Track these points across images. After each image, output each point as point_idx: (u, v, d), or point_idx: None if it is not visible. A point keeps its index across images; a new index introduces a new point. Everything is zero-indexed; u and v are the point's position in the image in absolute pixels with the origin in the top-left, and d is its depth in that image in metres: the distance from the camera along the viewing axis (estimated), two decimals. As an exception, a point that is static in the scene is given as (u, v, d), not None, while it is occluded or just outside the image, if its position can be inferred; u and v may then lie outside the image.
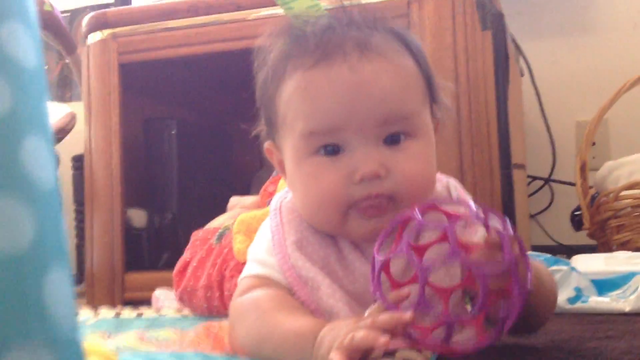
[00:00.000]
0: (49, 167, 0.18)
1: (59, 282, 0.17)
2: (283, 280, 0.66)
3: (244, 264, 0.95)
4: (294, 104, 0.65)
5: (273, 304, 0.63)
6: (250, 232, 0.96)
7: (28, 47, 0.20)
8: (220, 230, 1.08)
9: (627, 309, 0.95)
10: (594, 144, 1.57)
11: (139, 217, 1.60)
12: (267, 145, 0.74)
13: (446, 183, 0.73)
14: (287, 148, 0.68)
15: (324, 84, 0.63)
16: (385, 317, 0.53)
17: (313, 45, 0.65)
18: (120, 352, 0.53)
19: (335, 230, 0.67)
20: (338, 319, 0.62)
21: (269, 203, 1.05)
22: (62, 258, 0.18)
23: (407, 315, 0.52)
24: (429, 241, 0.56)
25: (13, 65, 0.19)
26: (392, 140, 0.64)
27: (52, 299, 0.17)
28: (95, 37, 1.51)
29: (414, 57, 0.68)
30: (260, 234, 0.73)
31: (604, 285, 1.03)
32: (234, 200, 1.29)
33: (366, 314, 0.56)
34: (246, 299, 0.65)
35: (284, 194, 0.74)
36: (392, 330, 0.52)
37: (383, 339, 0.50)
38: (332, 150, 0.64)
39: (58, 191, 0.18)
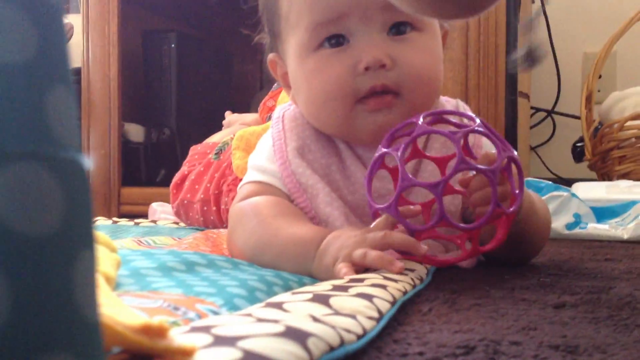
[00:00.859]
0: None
1: (63, 98, 0.16)
2: (283, 187, 0.66)
3: (241, 179, 0.95)
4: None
5: (274, 210, 0.62)
6: (249, 147, 0.95)
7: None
8: (219, 146, 1.06)
9: (626, 236, 0.95)
10: (600, 76, 1.54)
11: (136, 131, 1.58)
12: (270, 57, 0.72)
13: (455, 102, 0.72)
14: (290, 50, 0.67)
15: None
16: (399, 239, 0.52)
17: None
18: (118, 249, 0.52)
19: (340, 127, 0.65)
20: (334, 227, 0.62)
21: (268, 118, 1.04)
22: (65, 75, 0.16)
23: (424, 248, 0.53)
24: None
25: None
26: (398, 31, 0.63)
27: (55, 116, 0.16)
28: (94, -59, 1.46)
29: None
30: (261, 143, 0.72)
31: (603, 213, 1.03)
32: (233, 117, 1.27)
33: (373, 225, 0.55)
34: (246, 205, 0.65)
35: (286, 105, 0.73)
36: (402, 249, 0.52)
37: (398, 266, 0.50)
38: (337, 42, 0.63)
39: (61, 6, 0.17)
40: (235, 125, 1.24)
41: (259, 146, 0.72)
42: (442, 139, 0.66)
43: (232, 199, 0.96)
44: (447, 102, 0.72)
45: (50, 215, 0.15)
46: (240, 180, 0.94)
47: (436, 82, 0.66)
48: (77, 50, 1.53)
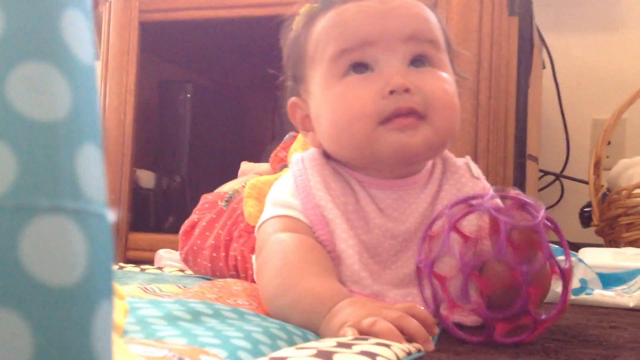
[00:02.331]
0: (88, 42, 0.17)
1: (92, 157, 0.17)
2: (306, 220, 0.67)
3: (254, 227, 0.95)
4: (325, 33, 0.69)
5: (299, 255, 0.62)
6: (261, 196, 0.96)
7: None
8: (229, 194, 1.07)
9: (632, 304, 0.94)
10: (609, 142, 1.56)
11: (147, 177, 1.60)
12: (291, 100, 0.75)
13: (465, 161, 0.74)
14: (315, 84, 0.70)
15: (355, 11, 0.68)
16: (415, 327, 0.51)
17: None
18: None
19: (362, 149, 0.66)
20: (347, 265, 0.64)
21: (280, 169, 1.05)
22: (95, 134, 0.17)
23: (431, 347, 0.52)
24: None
25: None
26: (417, 64, 0.67)
27: (85, 172, 0.17)
28: (118, -7, 1.50)
29: (437, 17, 0.72)
30: (279, 183, 0.74)
31: (609, 280, 1.03)
32: (247, 167, 1.28)
33: (399, 305, 0.55)
34: (275, 242, 0.65)
35: (302, 153, 0.75)
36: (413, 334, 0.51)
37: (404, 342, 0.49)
38: (362, 70, 0.67)
39: (95, 68, 0.18)
40: (249, 174, 1.26)
41: (277, 186, 0.74)
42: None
43: (243, 244, 0.96)
44: (458, 159, 0.74)
45: (74, 266, 0.16)
46: (252, 227, 0.95)
47: (457, 110, 0.68)
48: (94, 97, 1.56)
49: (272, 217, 0.69)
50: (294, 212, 0.68)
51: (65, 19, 0.18)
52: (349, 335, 0.50)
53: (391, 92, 0.64)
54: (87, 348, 0.16)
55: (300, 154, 0.74)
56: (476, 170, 0.74)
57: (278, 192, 0.71)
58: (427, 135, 0.65)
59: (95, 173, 0.17)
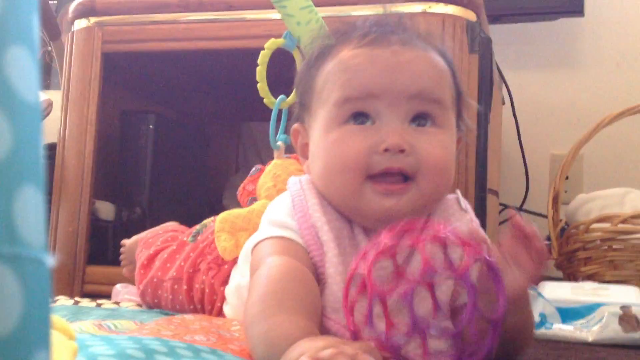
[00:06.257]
0: (34, 80, 0.17)
1: (31, 198, 0.16)
2: (301, 241, 0.67)
3: (227, 261, 0.94)
4: (334, 76, 0.69)
5: (283, 284, 0.61)
6: (234, 230, 0.95)
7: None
8: (197, 228, 1.06)
9: (590, 339, 0.95)
10: (567, 177, 1.59)
11: (106, 209, 1.57)
12: (295, 126, 0.76)
13: (456, 195, 0.76)
14: (317, 122, 0.71)
15: (366, 60, 0.68)
16: None
17: (360, 34, 0.70)
18: (77, 334, 0.51)
19: (349, 202, 0.67)
20: (332, 292, 0.64)
21: (249, 202, 1.04)
22: (36, 175, 0.17)
23: None
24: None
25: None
26: (419, 123, 0.68)
27: (22, 215, 0.16)
28: (80, 24, 1.49)
29: (450, 68, 0.72)
30: (276, 203, 0.74)
31: (568, 314, 1.04)
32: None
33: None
34: (264, 268, 0.64)
35: (300, 177, 0.76)
36: None
37: None
38: (362, 121, 0.67)
39: (40, 106, 0.17)
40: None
41: (274, 206, 0.74)
42: None
43: (213, 277, 0.95)
44: (448, 195, 0.74)
45: (8, 315, 0.15)
46: (222, 259, 0.94)
47: (449, 177, 0.69)
48: (54, 127, 1.54)
49: (268, 238, 0.69)
50: (289, 233, 0.68)
51: (9, 55, 0.17)
52: None
53: (385, 150, 0.65)
54: (9, 227, 0.15)
55: (296, 178, 0.75)
56: (464, 203, 0.75)
57: (275, 212, 0.72)
58: (412, 199, 0.66)
59: (34, 216, 0.16)
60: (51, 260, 0.16)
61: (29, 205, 0.16)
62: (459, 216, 0.73)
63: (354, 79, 0.67)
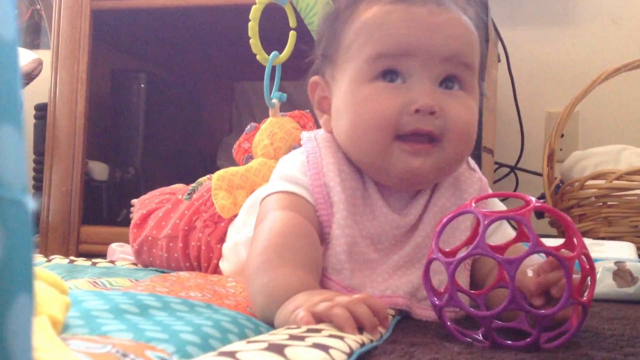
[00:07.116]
0: (11, 18, 0.16)
1: (10, 138, 0.15)
2: (311, 199, 0.67)
3: (223, 218, 0.94)
4: (367, 30, 0.67)
5: (287, 238, 0.62)
6: (231, 187, 0.95)
7: None
8: (192, 186, 1.05)
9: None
10: (562, 135, 1.58)
11: (100, 169, 1.56)
12: (314, 78, 0.75)
13: (479, 175, 0.75)
14: (345, 77, 0.69)
15: (402, 17, 0.66)
16: (365, 313, 0.50)
17: None
18: (71, 291, 0.51)
19: (375, 160, 0.67)
20: (335, 253, 0.65)
21: (245, 160, 1.03)
22: (14, 114, 0.16)
23: (377, 335, 0.51)
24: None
25: None
26: (447, 85, 0.67)
27: (1, 155, 0.15)
28: (68, -21, 1.46)
29: (480, 33, 0.72)
30: (288, 158, 0.73)
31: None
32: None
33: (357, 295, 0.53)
34: (268, 221, 0.65)
35: (312, 132, 0.76)
36: (366, 323, 0.50)
37: (354, 333, 0.48)
38: (391, 79, 0.67)
39: (16, 44, 0.16)
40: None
41: (286, 161, 0.74)
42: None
43: (209, 235, 0.95)
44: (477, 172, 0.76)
45: (-13, 256, 0.14)
46: (219, 216, 0.93)
47: (473, 142, 0.69)
48: (44, 87, 1.52)
49: (277, 192, 0.69)
50: (300, 190, 0.68)
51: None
52: (300, 316, 0.49)
53: (416, 111, 0.64)
54: (2, 347, 0.14)
55: (311, 133, 0.74)
56: (472, 163, 0.76)
57: (287, 167, 0.71)
58: (438, 161, 0.66)
59: (14, 156, 0.16)
60: (32, 203, 0.16)
61: (8, 145, 0.15)
62: (468, 175, 0.74)
63: (390, 35, 0.66)
